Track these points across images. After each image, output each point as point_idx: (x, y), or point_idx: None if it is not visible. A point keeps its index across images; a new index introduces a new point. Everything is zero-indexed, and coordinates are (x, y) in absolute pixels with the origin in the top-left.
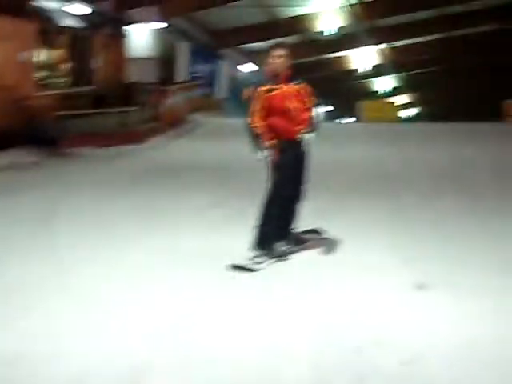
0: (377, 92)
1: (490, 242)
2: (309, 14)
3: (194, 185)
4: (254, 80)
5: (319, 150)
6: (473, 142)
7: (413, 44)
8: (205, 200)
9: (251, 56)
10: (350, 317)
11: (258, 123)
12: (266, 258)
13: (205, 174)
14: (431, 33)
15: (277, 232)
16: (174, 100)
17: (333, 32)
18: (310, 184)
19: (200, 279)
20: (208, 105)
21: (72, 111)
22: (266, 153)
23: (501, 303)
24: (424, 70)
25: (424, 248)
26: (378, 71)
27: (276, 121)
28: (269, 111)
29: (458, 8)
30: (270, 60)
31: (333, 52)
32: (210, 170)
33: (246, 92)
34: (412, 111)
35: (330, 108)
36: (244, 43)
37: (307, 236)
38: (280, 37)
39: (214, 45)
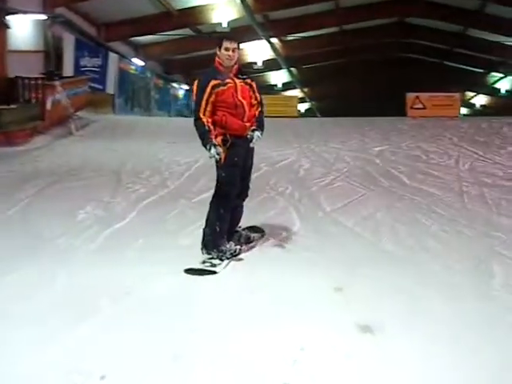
0: (275, 86)
1: None
2: (201, 6)
3: (80, 194)
4: (144, 75)
5: None
6: None
7: (307, 37)
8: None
9: (142, 50)
10: None
11: (207, 119)
12: (218, 259)
13: (93, 179)
14: (326, 26)
15: (226, 231)
16: (61, 96)
17: (226, 25)
18: None
19: None
20: (97, 101)
21: None
22: (215, 150)
23: None
24: (317, 65)
25: None
26: (272, 65)
27: (226, 116)
28: (218, 106)
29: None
30: (224, 52)
31: None
32: (98, 175)
33: (194, 86)
34: (303, 106)
35: None
36: (134, 36)
37: (251, 233)
38: (171, 29)
39: (103, 38)
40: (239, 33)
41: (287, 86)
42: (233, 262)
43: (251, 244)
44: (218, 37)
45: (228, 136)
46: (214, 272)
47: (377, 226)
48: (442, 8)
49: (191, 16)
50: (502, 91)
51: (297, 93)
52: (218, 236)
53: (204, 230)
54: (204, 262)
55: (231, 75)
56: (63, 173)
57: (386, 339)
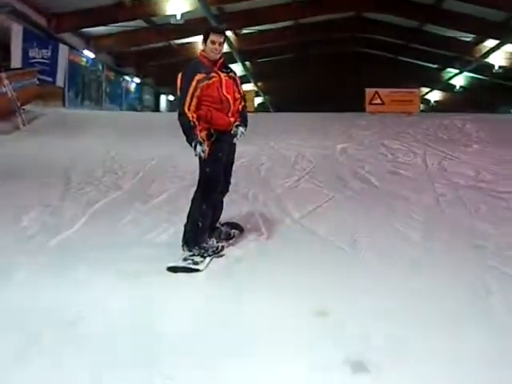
0: None
1: None
2: None
3: (25, 198)
4: (96, 68)
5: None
6: None
7: (262, 31)
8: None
9: (93, 41)
10: None
11: (192, 114)
12: (200, 256)
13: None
14: (282, 20)
15: (208, 228)
16: (6, 89)
17: (179, 17)
18: None
19: None
20: (46, 94)
21: None
22: (200, 148)
23: None
24: (272, 59)
25: None
26: (226, 58)
27: (212, 111)
28: (203, 100)
29: None
30: (210, 45)
31: (181, 38)
32: (46, 175)
33: (178, 80)
34: (257, 100)
35: (172, 97)
36: (85, 27)
37: (231, 230)
38: (124, 21)
39: (53, 29)
40: (193, 25)
41: (241, 80)
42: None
43: (231, 241)
44: (204, 29)
45: (212, 131)
46: (198, 270)
47: (352, 234)
48: (400, 2)
49: (144, 7)
50: (457, 87)
51: (251, 87)
52: (200, 232)
53: (185, 226)
54: (186, 260)
55: (215, 69)
56: (6, 173)
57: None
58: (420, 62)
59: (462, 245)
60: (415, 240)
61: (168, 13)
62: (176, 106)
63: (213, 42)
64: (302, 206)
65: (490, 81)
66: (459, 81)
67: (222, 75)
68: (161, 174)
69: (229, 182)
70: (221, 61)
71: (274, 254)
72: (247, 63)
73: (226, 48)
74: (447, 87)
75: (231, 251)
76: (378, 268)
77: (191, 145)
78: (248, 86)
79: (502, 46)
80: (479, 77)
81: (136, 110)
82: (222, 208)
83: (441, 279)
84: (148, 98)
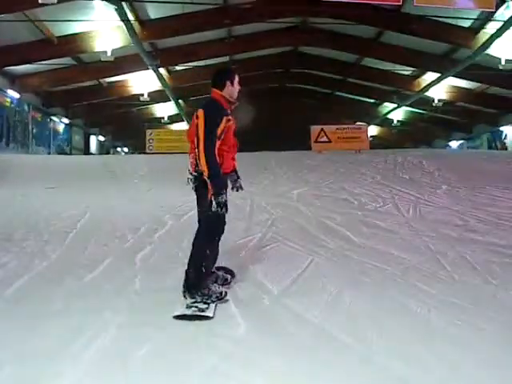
0: (162, 118)
1: None
2: (84, 33)
3: None
4: (21, 108)
5: None
6: None
7: (196, 67)
8: None
9: (18, 80)
10: None
11: (216, 157)
12: (203, 303)
13: None
14: (217, 55)
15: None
16: None
17: (110, 53)
18: None
19: None
20: None
21: None
22: (223, 198)
23: None
24: (202, 97)
25: None
26: (158, 97)
27: (223, 154)
28: (220, 143)
29: (246, 28)
30: (236, 87)
31: (112, 76)
32: None
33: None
34: None
35: (103, 138)
36: (8, 65)
37: (227, 275)
38: (51, 58)
39: None
40: (125, 62)
41: (174, 119)
42: None
43: (227, 286)
44: (225, 70)
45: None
46: (208, 317)
47: (353, 319)
48: (338, 37)
49: (72, 44)
50: (395, 122)
51: (185, 126)
52: (203, 278)
53: (187, 271)
54: (190, 307)
55: (230, 112)
56: None
57: None
58: (357, 97)
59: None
60: (439, 326)
61: (97, 49)
62: (204, 145)
63: (239, 83)
64: (277, 276)
65: (428, 114)
66: (397, 115)
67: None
68: (96, 233)
69: (224, 223)
70: (236, 104)
71: (256, 357)
72: (180, 101)
73: (158, 86)
74: (384, 122)
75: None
76: (406, 375)
77: (218, 191)
78: (182, 126)
79: (442, 79)
80: (417, 111)
81: (65, 153)
82: (218, 252)
83: None
84: (78, 139)
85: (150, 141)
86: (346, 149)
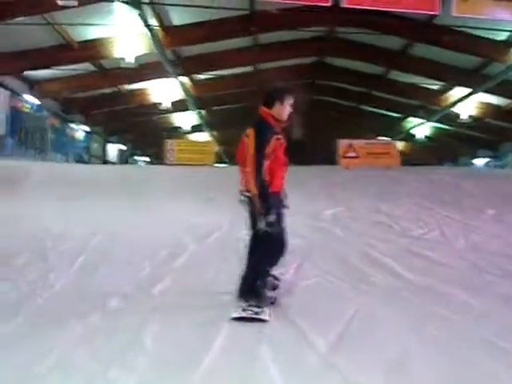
0: (179, 128)
1: None
2: (105, 39)
3: None
4: (41, 114)
5: None
6: None
7: (219, 77)
8: None
9: (38, 86)
10: None
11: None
12: (256, 307)
13: None
14: (241, 65)
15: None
16: None
17: (132, 60)
18: None
19: None
20: None
21: None
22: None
23: None
24: (229, 107)
25: None
26: (179, 106)
27: (274, 173)
28: (270, 162)
29: (271, 37)
30: (287, 108)
31: (132, 83)
32: None
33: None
34: None
35: (122, 146)
36: (26, 70)
37: (276, 281)
38: (71, 64)
39: None
40: (145, 70)
41: (196, 129)
42: None
43: (276, 291)
44: (277, 89)
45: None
46: (264, 320)
47: None
48: (364, 48)
49: (93, 49)
50: (420, 137)
51: (205, 136)
52: (259, 286)
53: (245, 276)
54: (245, 310)
55: (280, 130)
56: None
57: None
58: (381, 111)
59: None
60: None
61: (118, 56)
62: (253, 165)
63: (290, 105)
64: (321, 323)
65: (453, 130)
66: (422, 130)
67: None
68: (108, 257)
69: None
70: (286, 124)
71: None
72: (202, 111)
73: (181, 95)
74: (407, 137)
75: None
76: None
77: (267, 211)
78: (203, 136)
79: (472, 94)
80: (442, 126)
81: (84, 161)
82: None
83: None
84: (96, 147)
85: (171, 151)
86: (376, 165)
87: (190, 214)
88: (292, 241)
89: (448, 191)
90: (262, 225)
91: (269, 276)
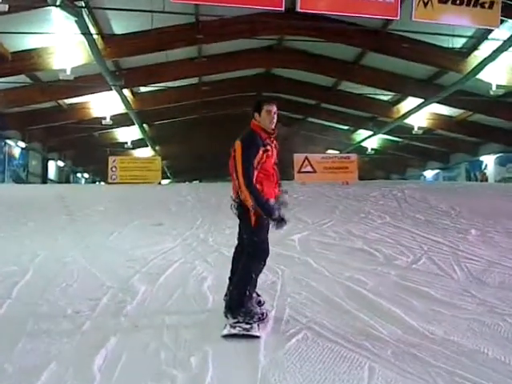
0: (125, 143)
1: None
2: (41, 49)
3: None
4: None
5: None
6: None
7: (162, 90)
8: None
9: None
10: None
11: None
12: (245, 323)
13: None
14: (185, 76)
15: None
16: None
17: (69, 72)
18: None
19: None
20: None
21: None
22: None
23: None
24: (172, 120)
25: None
26: (121, 120)
27: (263, 184)
28: (258, 173)
29: (217, 48)
30: (266, 116)
31: (72, 96)
32: None
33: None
34: None
35: (62, 163)
36: None
37: (260, 297)
38: (4, 75)
39: None
40: (86, 82)
41: (138, 144)
42: None
43: (262, 307)
44: (256, 101)
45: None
46: (257, 336)
47: None
48: (314, 58)
49: (29, 60)
50: (369, 150)
51: (149, 151)
52: (247, 300)
53: (231, 292)
54: (233, 327)
55: (270, 141)
56: None
57: None
58: (330, 124)
59: None
60: None
61: (56, 67)
62: (243, 177)
63: (268, 112)
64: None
65: (403, 142)
66: (371, 143)
67: (273, 146)
68: (37, 309)
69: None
70: (276, 133)
71: None
72: (145, 125)
73: (122, 108)
74: (356, 150)
75: None
76: None
77: (273, 212)
78: (146, 151)
79: (424, 105)
80: (392, 138)
81: (21, 179)
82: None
83: None
84: (35, 164)
85: (113, 169)
86: (333, 180)
87: (137, 243)
88: (260, 275)
89: (418, 209)
90: (273, 226)
91: (255, 287)
